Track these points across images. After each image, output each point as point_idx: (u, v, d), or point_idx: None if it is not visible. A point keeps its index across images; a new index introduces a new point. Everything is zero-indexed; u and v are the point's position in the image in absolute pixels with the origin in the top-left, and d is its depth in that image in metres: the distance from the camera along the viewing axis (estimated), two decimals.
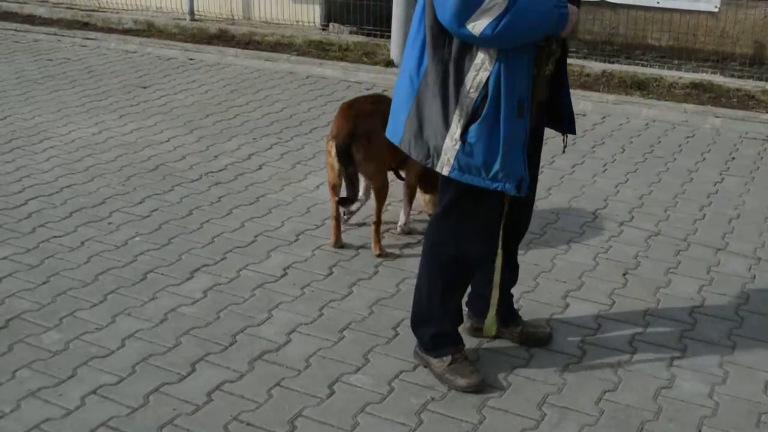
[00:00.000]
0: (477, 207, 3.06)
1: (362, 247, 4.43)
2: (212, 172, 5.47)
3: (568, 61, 3.31)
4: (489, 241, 3.17)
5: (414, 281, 3.99)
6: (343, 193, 4.20)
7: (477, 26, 2.73)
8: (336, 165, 4.11)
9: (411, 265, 4.22)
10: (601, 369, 3.41)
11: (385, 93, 7.50)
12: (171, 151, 5.83)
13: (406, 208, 4.59)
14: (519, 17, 2.72)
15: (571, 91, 7.85)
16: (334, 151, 4.09)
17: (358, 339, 3.59)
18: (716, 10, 8.45)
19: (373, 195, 4.36)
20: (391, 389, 3.26)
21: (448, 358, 3.27)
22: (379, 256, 4.31)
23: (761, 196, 5.26)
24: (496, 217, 3.12)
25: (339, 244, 4.40)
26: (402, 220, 4.60)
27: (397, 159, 4.29)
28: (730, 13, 8.47)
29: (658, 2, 8.33)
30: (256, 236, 4.53)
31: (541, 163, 5.69)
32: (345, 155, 4.07)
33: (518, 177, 2.92)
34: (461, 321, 3.40)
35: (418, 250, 4.38)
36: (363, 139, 4.07)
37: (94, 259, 4.23)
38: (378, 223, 4.33)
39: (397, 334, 3.62)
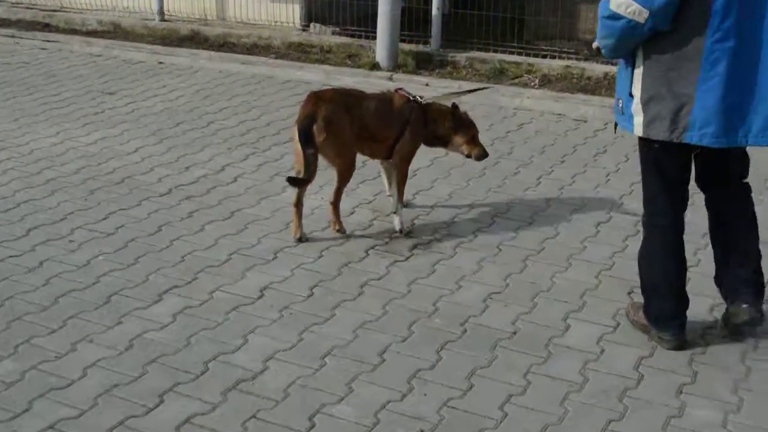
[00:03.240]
0: None
1: (345, 266, 4.41)
2: (183, 185, 5.45)
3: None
4: None
5: (401, 302, 4.01)
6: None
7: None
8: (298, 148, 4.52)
9: (397, 285, 4.21)
10: (606, 397, 3.40)
11: None
12: (138, 163, 5.81)
13: (397, 197, 4.87)
14: None
15: (571, 95, 7.91)
16: (296, 135, 4.51)
17: (341, 366, 3.56)
18: None
19: (337, 176, 4.73)
20: (376, 421, 3.24)
21: None
22: (338, 232, 4.73)
23: None
24: None
25: (299, 236, 4.67)
26: (396, 221, 4.85)
27: (372, 145, 4.80)
28: None
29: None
30: (230, 254, 4.51)
31: (539, 173, 5.76)
32: (304, 136, 4.51)
33: None
34: None
35: (405, 266, 4.38)
36: (323, 122, 4.52)
37: (53, 281, 4.20)
38: (335, 201, 4.74)
39: (383, 361, 3.60)
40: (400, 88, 5.01)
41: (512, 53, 8.38)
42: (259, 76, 8.16)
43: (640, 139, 3.59)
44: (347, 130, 4.64)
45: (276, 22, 9.51)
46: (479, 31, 8.61)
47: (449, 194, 5.40)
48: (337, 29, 9.36)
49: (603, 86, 7.62)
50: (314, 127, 4.52)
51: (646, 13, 3.30)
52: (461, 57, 8.41)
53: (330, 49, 8.88)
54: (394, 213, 4.87)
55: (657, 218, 3.70)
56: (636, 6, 3.29)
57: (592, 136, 6.54)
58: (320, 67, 8.42)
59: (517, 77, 8.03)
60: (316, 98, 4.63)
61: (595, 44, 3.68)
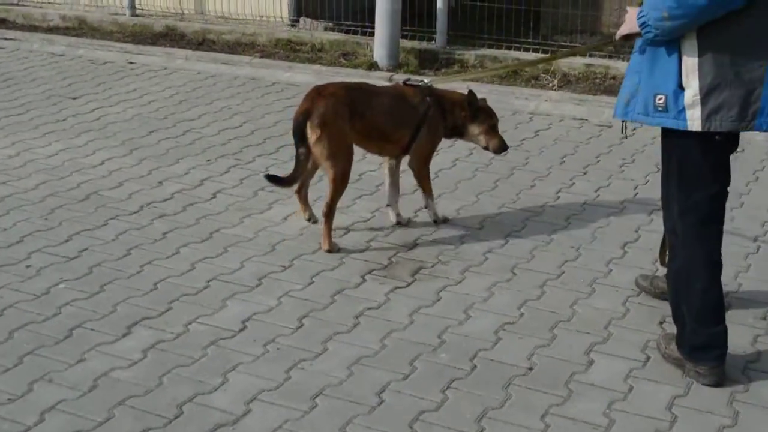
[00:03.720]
0: None
1: (339, 293, 4.41)
2: (155, 202, 5.46)
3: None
4: None
5: (402, 334, 4.00)
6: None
7: None
8: None
9: (397, 315, 4.20)
10: None
11: None
12: (105, 177, 5.82)
13: (424, 192, 5.18)
14: None
15: (594, 97, 7.96)
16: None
17: (334, 408, 3.56)
18: None
19: (330, 184, 4.84)
20: None
21: None
22: (329, 251, 4.79)
23: None
24: None
25: (308, 217, 5.11)
26: (431, 213, 5.21)
27: (384, 145, 5.03)
28: None
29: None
30: (208, 281, 4.51)
31: (558, 187, 5.76)
32: (297, 133, 4.76)
33: None
34: None
35: (406, 293, 4.37)
36: (318, 120, 4.69)
37: (7, 312, 4.19)
38: (328, 213, 4.83)
39: (381, 401, 3.60)
40: (408, 80, 5.15)
41: (528, 50, 8.42)
42: (242, 78, 8.17)
43: (689, 136, 3.58)
44: (346, 131, 4.79)
45: (261, 16, 9.56)
46: (490, 26, 8.65)
47: (457, 210, 5.40)
48: (331, 24, 9.40)
49: None
50: (308, 125, 4.70)
51: None
52: (470, 55, 8.44)
53: (322, 46, 8.93)
54: (425, 207, 5.20)
55: (707, 228, 3.70)
56: None
57: (617, 144, 6.54)
58: (311, 67, 8.45)
59: (533, 77, 8.06)
60: (316, 92, 4.80)
61: (622, 32, 3.72)
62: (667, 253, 3.92)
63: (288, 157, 6.18)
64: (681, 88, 3.53)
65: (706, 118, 3.51)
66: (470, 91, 5.11)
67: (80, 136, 6.57)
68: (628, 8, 3.72)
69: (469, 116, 5.08)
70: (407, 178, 5.29)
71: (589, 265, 4.75)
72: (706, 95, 3.49)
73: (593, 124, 7.01)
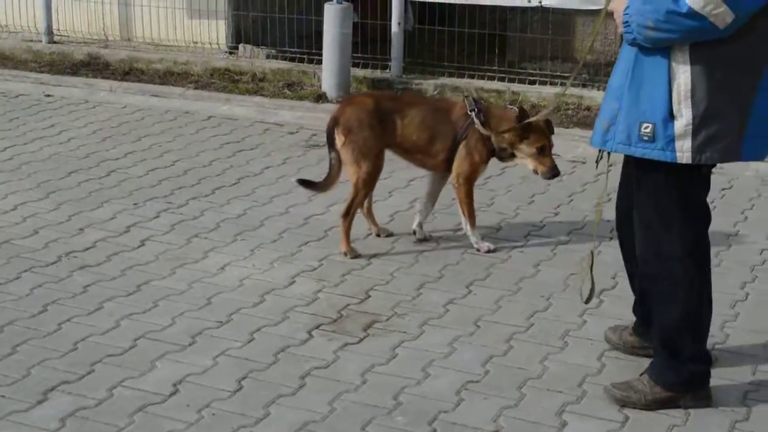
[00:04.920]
0: None
1: (283, 351, 4.43)
2: (76, 251, 5.46)
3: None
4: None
5: (354, 396, 4.03)
6: None
7: None
8: None
9: (348, 375, 4.23)
10: None
11: (323, 137, 7.60)
12: (18, 224, 5.81)
13: (466, 222, 5.59)
14: None
15: (567, 131, 8.06)
16: None
17: None
18: None
19: (352, 187, 5.45)
20: None
21: None
22: (344, 255, 5.41)
23: None
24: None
25: (377, 232, 5.75)
26: (473, 241, 5.58)
27: (422, 157, 5.58)
28: None
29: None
30: (135, 339, 4.51)
31: (528, 229, 5.84)
32: (328, 138, 5.49)
33: None
34: None
35: (358, 350, 4.40)
36: (343, 127, 5.40)
37: None
38: (345, 215, 5.44)
39: None
40: (467, 96, 5.55)
41: (492, 79, 8.55)
42: (174, 112, 8.21)
43: (678, 168, 3.70)
44: (372, 139, 5.40)
45: (196, 43, 9.62)
46: (451, 52, 8.77)
47: (415, 257, 5.46)
48: (273, 52, 9.49)
49: None
50: (336, 131, 5.43)
51: (730, 19, 3.45)
52: (428, 84, 8.56)
53: (264, 76, 9.00)
54: (469, 235, 5.56)
55: (704, 265, 3.94)
56: (723, 9, 3.43)
57: (592, 182, 6.66)
58: (252, 98, 8.52)
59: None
60: (348, 101, 5.70)
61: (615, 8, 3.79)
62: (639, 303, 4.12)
63: (224, 200, 6.24)
64: (671, 116, 3.60)
65: (697, 150, 3.61)
66: (521, 108, 5.38)
67: None
68: None
69: (517, 136, 5.32)
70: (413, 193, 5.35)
71: (561, 316, 4.82)
72: (698, 125, 3.58)
73: (566, 160, 7.11)
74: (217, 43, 9.61)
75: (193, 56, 9.45)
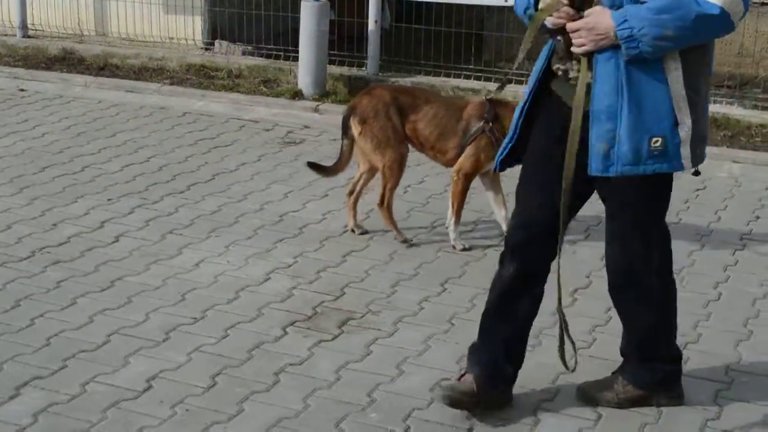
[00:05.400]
0: None
1: (257, 347, 4.43)
2: (49, 246, 5.44)
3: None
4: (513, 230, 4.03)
5: (328, 392, 4.03)
6: None
7: None
8: None
9: (322, 371, 4.23)
10: None
11: (298, 134, 7.61)
12: None
13: (450, 211, 5.66)
14: None
15: None
16: None
17: None
18: None
19: (381, 176, 5.63)
20: None
21: None
22: (404, 242, 5.62)
23: None
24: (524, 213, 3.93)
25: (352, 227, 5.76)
26: (451, 236, 5.65)
27: (435, 154, 5.67)
28: (749, 25, 8.85)
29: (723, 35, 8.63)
30: (109, 335, 4.50)
31: (500, 229, 5.85)
32: (344, 126, 5.66)
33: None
34: None
35: (332, 347, 4.41)
36: (358, 117, 5.57)
37: None
38: (381, 203, 5.64)
39: None
40: (490, 99, 5.54)
41: (469, 77, 8.57)
42: (149, 108, 8.19)
43: (665, 177, 3.76)
44: (389, 126, 5.56)
45: (171, 39, 9.60)
46: (427, 51, 8.79)
47: (389, 255, 5.48)
48: (249, 48, 9.48)
49: None
50: (351, 120, 5.60)
51: (741, 16, 3.45)
52: (405, 82, 8.57)
53: (240, 72, 8.99)
54: (451, 230, 5.63)
55: (671, 268, 4.05)
56: (741, 6, 3.42)
57: None
58: (228, 95, 8.51)
59: None
60: (367, 91, 5.79)
61: (586, 47, 3.49)
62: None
63: (199, 196, 6.23)
64: (676, 124, 3.54)
65: (693, 154, 3.61)
66: None
67: None
68: (594, 10, 3.49)
69: None
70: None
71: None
72: (695, 130, 3.57)
73: None
74: (193, 39, 9.59)
75: (169, 52, 9.43)
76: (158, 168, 6.77)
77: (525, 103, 3.83)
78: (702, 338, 4.64)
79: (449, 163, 5.65)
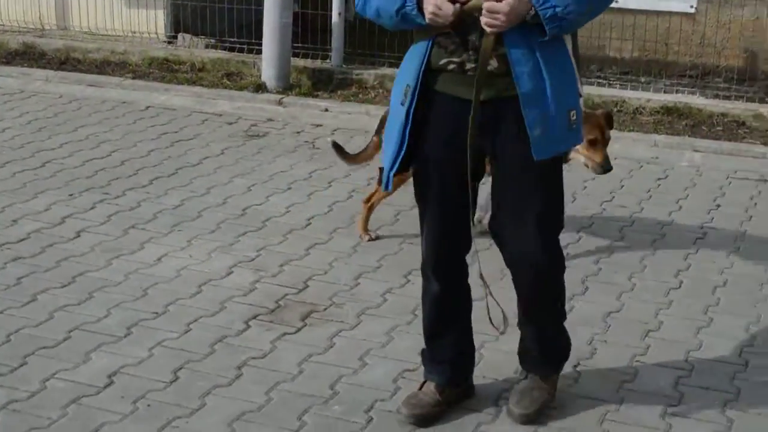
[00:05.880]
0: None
1: (220, 341, 4.42)
2: (9, 242, 5.40)
3: None
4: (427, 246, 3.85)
5: (290, 385, 4.04)
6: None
7: None
8: None
9: (285, 364, 4.23)
10: None
11: (262, 127, 7.59)
12: None
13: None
14: None
15: None
16: None
17: None
18: (693, 10, 8.91)
19: None
20: None
21: None
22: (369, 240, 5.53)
23: (754, 255, 5.50)
24: (435, 221, 3.77)
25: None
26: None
27: None
28: (711, 15, 8.93)
29: (617, 1, 8.68)
30: (70, 331, 4.48)
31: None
32: (380, 124, 5.47)
33: (384, 167, 3.68)
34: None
35: (295, 340, 4.41)
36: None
37: None
38: (367, 202, 5.55)
39: None
40: None
41: None
42: (111, 102, 8.15)
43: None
44: None
45: (134, 32, 9.56)
46: (392, 42, 8.77)
47: (353, 247, 5.48)
48: (213, 41, 9.46)
49: None
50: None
51: None
52: (369, 75, 8.58)
53: (203, 66, 8.97)
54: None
55: None
56: None
57: None
58: (191, 88, 8.49)
59: None
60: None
61: (499, 24, 3.32)
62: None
63: (162, 190, 6.21)
64: (579, 95, 3.60)
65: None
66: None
67: None
68: None
69: None
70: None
71: (502, 303, 4.85)
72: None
73: None
74: (156, 33, 9.54)
75: (131, 46, 9.39)
76: (120, 162, 6.74)
77: (409, 109, 3.55)
78: (663, 326, 4.67)
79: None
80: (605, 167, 5.11)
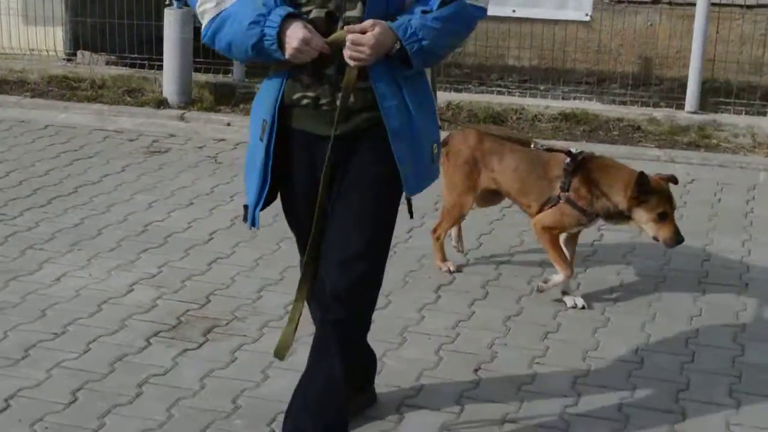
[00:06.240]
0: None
1: (120, 360, 4.37)
2: None
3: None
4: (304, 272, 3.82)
5: (192, 401, 4.02)
6: None
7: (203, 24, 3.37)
8: None
9: (187, 381, 4.21)
10: None
11: (164, 143, 7.54)
12: None
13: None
14: (222, 26, 3.32)
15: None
16: None
17: None
18: (588, 18, 9.04)
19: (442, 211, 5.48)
20: None
21: None
22: (447, 271, 5.36)
23: (649, 254, 5.62)
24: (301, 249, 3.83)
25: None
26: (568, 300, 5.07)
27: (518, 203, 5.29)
28: (606, 22, 9.10)
29: (513, 11, 8.82)
30: None
31: None
32: None
33: (248, 204, 3.55)
34: None
35: (197, 356, 4.39)
36: (446, 151, 5.22)
37: None
38: (434, 234, 5.42)
39: None
40: (569, 150, 5.06)
41: None
42: (9, 121, 8.03)
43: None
44: (467, 172, 5.21)
45: (32, 50, 9.43)
46: None
47: (255, 260, 5.47)
48: (113, 58, 9.37)
49: (445, 118, 7.90)
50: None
51: None
52: None
53: (104, 83, 8.88)
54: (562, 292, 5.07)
55: None
56: None
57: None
58: (91, 106, 8.41)
59: None
60: (460, 131, 5.53)
61: (365, 59, 3.22)
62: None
63: (60, 209, 6.13)
64: (439, 127, 3.55)
65: None
66: (641, 173, 4.76)
67: None
68: (376, 23, 3.22)
69: (636, 200, 4.78)
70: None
71: (400, 312, 4.89)
72: None
73: None
74: (55, 50, 9.42)
75: (30, 63, 9.25)
76: (18, 182, 6.63)
77: (269, 145, 3.43)
78: (561, 327, 4.75)
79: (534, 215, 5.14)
80: (678, 240, 4.85)
